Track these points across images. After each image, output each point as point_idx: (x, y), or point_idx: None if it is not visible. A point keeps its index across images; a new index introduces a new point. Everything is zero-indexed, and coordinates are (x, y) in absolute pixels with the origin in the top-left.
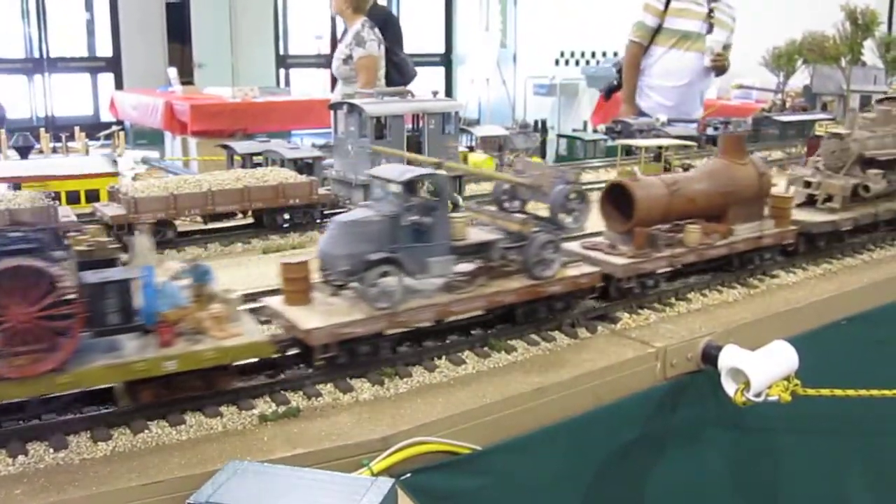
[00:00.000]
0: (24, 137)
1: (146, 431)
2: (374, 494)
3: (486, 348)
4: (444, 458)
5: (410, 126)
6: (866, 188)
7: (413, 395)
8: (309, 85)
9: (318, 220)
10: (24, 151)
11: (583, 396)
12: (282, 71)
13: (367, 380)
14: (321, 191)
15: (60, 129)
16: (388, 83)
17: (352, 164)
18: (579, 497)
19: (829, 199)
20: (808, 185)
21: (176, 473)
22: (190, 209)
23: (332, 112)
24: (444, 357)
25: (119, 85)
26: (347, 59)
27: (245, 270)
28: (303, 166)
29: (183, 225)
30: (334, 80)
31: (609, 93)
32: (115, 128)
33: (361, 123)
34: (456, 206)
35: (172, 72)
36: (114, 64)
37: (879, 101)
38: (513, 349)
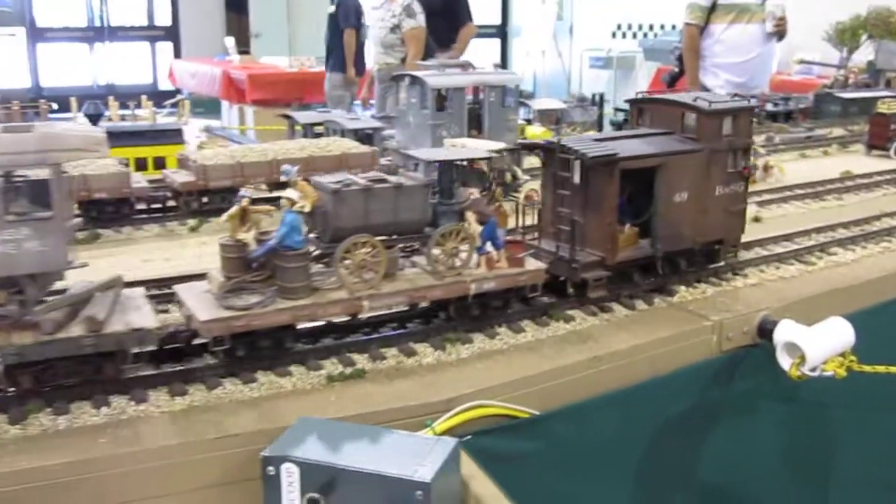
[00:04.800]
0: (95, 105)
1: (220, 388)
2: (438, 453)
3: (545, 317)
4: (503, 421)
5: (471, 98)
6: None
7: (474, 361)
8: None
9: None
10: (94, 119)
11: (639, 367)
12: None
13: (429, 344)
14: (382, 161)
15: (120, 98)
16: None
17: (413, 135)
18: (633, 464)
19: None
20: None
21: (249, 428)
22: (256, 177)
23: (378, 84)
24: (504, 325)
25: (177, 54)
26: (395, 28)
27: None
28: (363, 136)
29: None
30: None
31: (672, 81)
32: (180, 96)
33: (423, 95)
34: (515, 178)
35: (230, 41)
36: (172, 33)
37: None
38: (571, 319)
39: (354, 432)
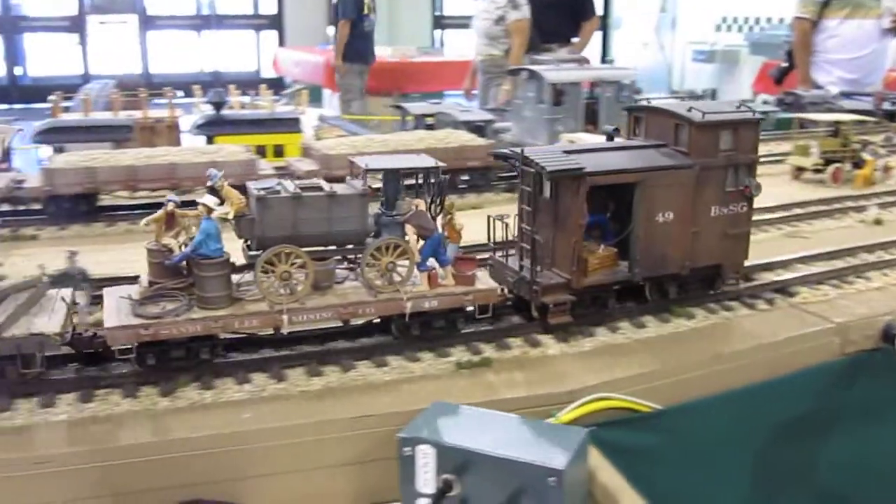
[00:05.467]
0: (218, 94)
1: (354, 371)
2: (569, 441)
3: (666, 314)
4: (625, 414)
5: (587, 93)
6: None
7: (597, 354)
8: (460, 45)
9: (492, 182)
10: (217, 106)
11: (759, 366)
12: (437, 32)
13: (553, 336)
14: None
15: (224, 85)
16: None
17: (529, 128)
18: (750, 462)
19: None
20: None
21: (383, 410)
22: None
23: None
24: (626, 320)
25: (281, 42)
26: (500, 20)
27: None
28: (474, 129)
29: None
30: None
31: (781, 76)
32: (297, 86)
33: (540, 90)
34: None
35: (332, 30)
36: (276, 21)
37: None
38: (692, 316)
39: (486, 417)
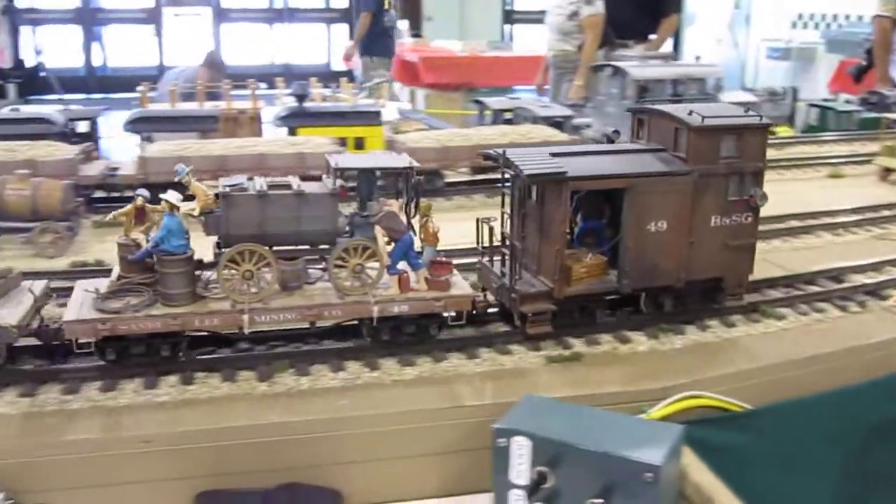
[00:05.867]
0: (302, 86)
1: (446, 361)
2: (665, 437)
3: (756, 314)
4: (715, 413)
5: (671, 90)
6: None
7: (687, 352)
8: (530, 40)
9: None
10: (301, 99)
11: (853, 368)
12: (506, 26)
13: (643, 333)
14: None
15: (305, 77)
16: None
17: (610, 125)
18: (843, 463)
19: None
20: None
21: (476, 400)
22: (460, 161)
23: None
24: (716, 318)
25: (351, 35)
26: (573, 15)
27: None
28: (553, 124)
29: (451, 175)
30: None
31: (859, 74)
32: (379, 79)
33: (624, 86)
34: None
35: (404, 24)
36: (348, 15)
37: None
38: (783, 317)
39: (579, 411)
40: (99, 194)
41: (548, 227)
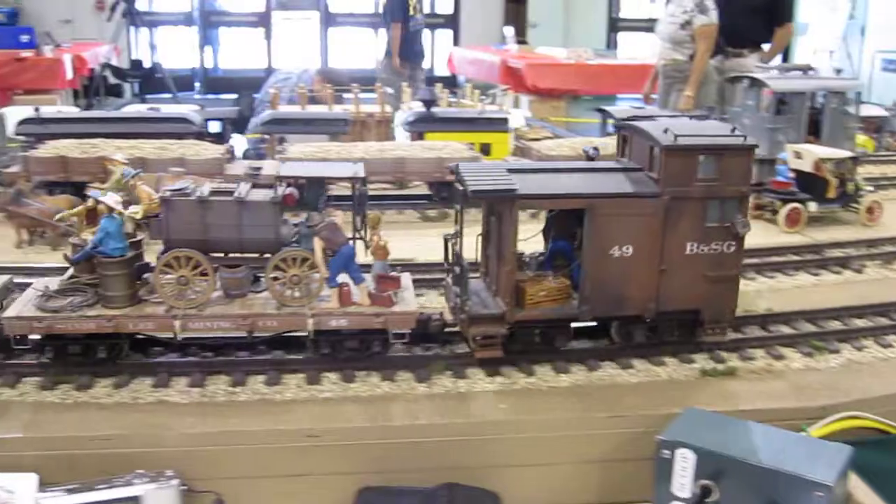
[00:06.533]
0: (430, 91)
1: (601, 370)
2: (834, 457)
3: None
4: (877, 435)
5: (809, 103)
6: None
7: (843, 371)
8: (635, 48)
9: None
10: (429, 104)
11: None
12: (611, 34)
13: (797, 350)
14: None
15: (432, 83)
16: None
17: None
18: None
19: None
20: None
21: (633, 411)
22: None
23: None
24: (871, 338)
25: (456, 41)
26: (686, 25)
27: None
28: None
29: None
30: None
31: None
32: (503, 87)
33: (761, 98)
34: (858, 189)
35: (509, 31)
36: (452, 21)
37: None
38: None
39: (743, 426)
40: None
41: (502, 246)
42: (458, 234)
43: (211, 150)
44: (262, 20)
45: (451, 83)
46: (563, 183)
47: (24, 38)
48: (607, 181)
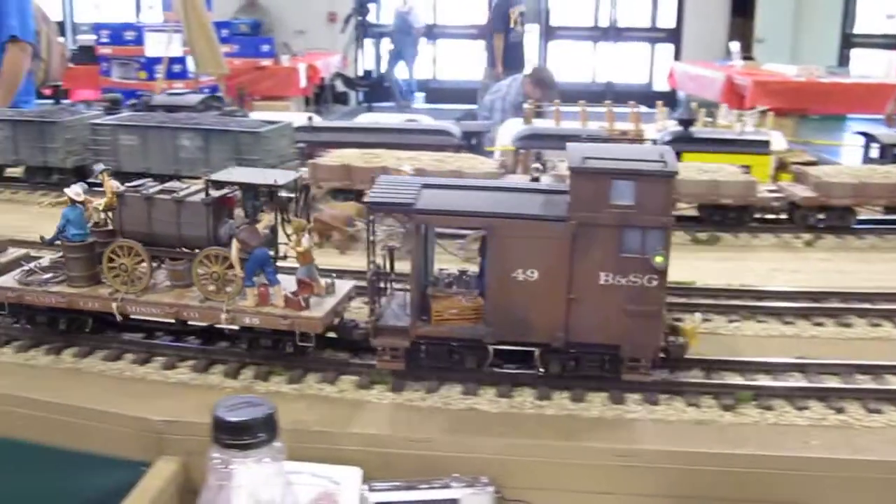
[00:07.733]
0: (689, 111)
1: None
2: None
3: None
4: None
5: None
6: None
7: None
8: (869, 66)
9: None
10: (687, 124)
11: None
12: (843, 50)
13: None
14: None
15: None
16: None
17: None
18: None
19: None
20: None
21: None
22: (878, 198)
23: None
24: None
25: (677, 56)
26: None
27: None
28: None
29: (865, 212)
30: None
31: None
32: (762, 107)
33: None
34: None
35: (735, 46)
36: (674, 35)
37: None
38: None
39: None
40: None
41: (412, 260)
42: (396, 247)
43: (487, 164)
44: (482, 33)
45: (670, 99)
46: (470, 201)
47: (265, 47)
48: (518, 201)
